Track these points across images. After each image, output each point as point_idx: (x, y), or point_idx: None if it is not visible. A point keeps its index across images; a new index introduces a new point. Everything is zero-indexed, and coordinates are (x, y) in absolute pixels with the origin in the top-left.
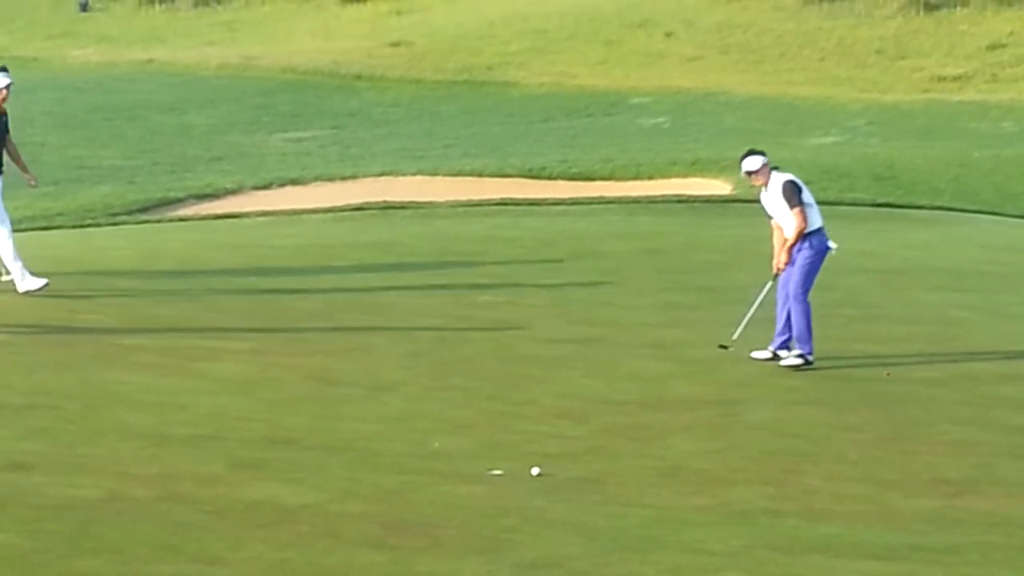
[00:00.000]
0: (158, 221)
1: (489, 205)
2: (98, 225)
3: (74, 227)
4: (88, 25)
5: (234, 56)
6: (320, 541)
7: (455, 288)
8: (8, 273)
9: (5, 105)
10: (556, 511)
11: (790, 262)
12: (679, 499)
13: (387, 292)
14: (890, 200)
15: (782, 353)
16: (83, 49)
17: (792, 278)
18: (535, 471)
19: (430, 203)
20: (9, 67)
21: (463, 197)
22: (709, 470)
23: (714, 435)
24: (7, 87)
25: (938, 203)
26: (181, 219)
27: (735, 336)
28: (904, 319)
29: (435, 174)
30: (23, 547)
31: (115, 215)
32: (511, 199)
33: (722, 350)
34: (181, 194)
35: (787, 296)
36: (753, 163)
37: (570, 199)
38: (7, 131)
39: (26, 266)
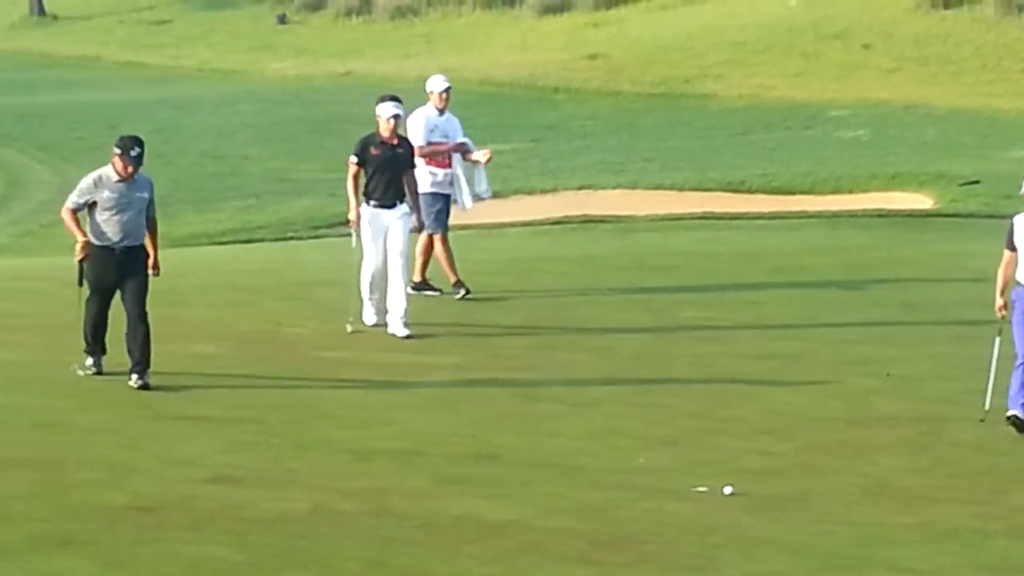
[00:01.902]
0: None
1: (689, 219)
2: (300, 238)
3: (276, 239)
4: (287, 38)
5: (432, 68)
6: (525, 556)
7: (656, 303)
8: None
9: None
10: (762, 528)
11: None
12: (885, 517)
13: (588, 306)
14: None
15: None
16: (282, 62)
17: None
18: (728, 490)
19: (630, 216)
20: (210, 79)
21: (663, 211)
22: (914, 488)
23: (919, 452)
24: (395, 116)
25: None
26: None
27: (987, 406)
28: None
29: (635, 187)
30: (234, 560)
31: (316, 227)
32: (711, 213)
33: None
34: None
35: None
36: None
37: (770, 213)
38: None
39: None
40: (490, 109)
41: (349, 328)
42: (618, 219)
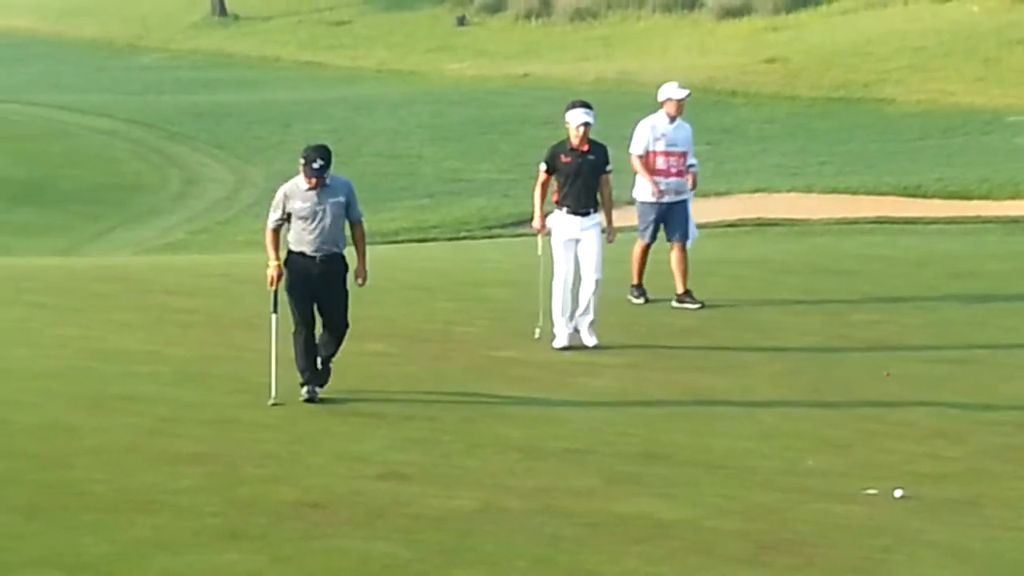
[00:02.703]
0: (533, 235)
1: (864, 223)
2: (473, 237)
3: (449, 239)
4: (465, 39)
5: (610, 71)
6: (693, 557)
7: (829, 306)
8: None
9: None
10: (931, 533)
11: None
12: None
13: (761, 309)
14: None
15: None
16: (460, 63)
17: None
18: (898, 493)
19: (804, 220)
20: (388, 80)
21: (837, 215)
22: None
23: None
24: (585, 124)
25: None
26: None
27: None
28: None
29: (809, 191)
30: (402, 556)
31: (490, 228)
32: (886, 217)
33: None
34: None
35: None
36: None
37: (946, 218)
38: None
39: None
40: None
41: (537, 333)
42: (792, 222)
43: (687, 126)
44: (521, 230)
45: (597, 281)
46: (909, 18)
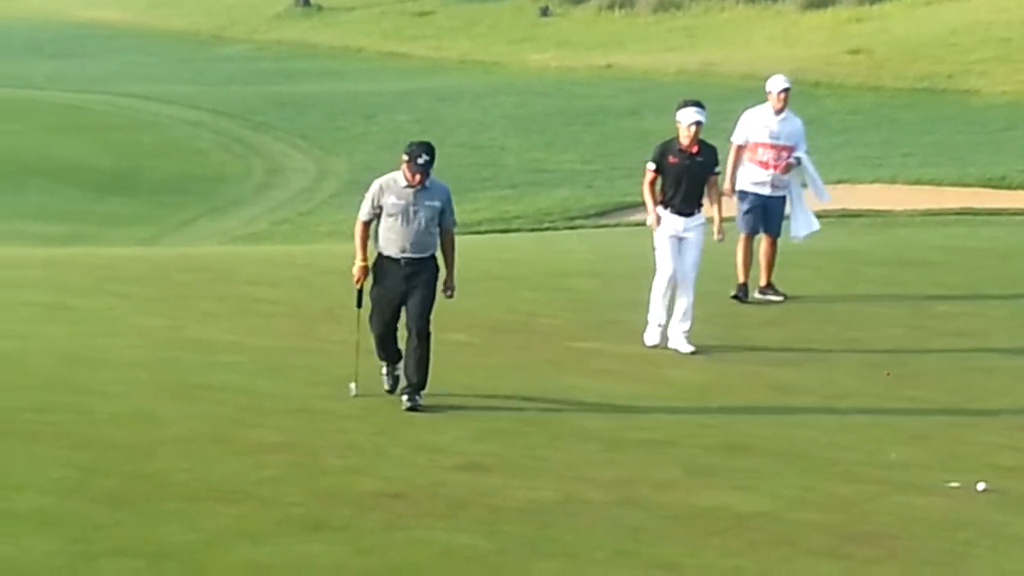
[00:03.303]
0: (615, 225)
1: (948, 215)
2: (555, 228)
3: (531, 230)
4: (548, 30)
5: (693, 62)
6: (774, 549)
7: (912, 297)
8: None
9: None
10: (1015, 526)
11: None
12: None
13: (843, 301)
14: None
15: None
16: (543, 53)
17: None
18: (980, 486)
19: (888, 211)
20: (471, 71)
21: (921, 206)
22: None
23: None
24: (696, 123)
25: None
26: (638, 224)
27: None
28: None
29: (893, 182)
30: (482, 548)
31: (572, 219)
32: (970, 209)
33: None
34: (639, 199)
35: None
36: None
37: None
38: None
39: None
40: (750, 104)
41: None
42: (876, 213)
43: (796, 120)
44: (603, 221)
45: (692, 281)
46: (994, 9)
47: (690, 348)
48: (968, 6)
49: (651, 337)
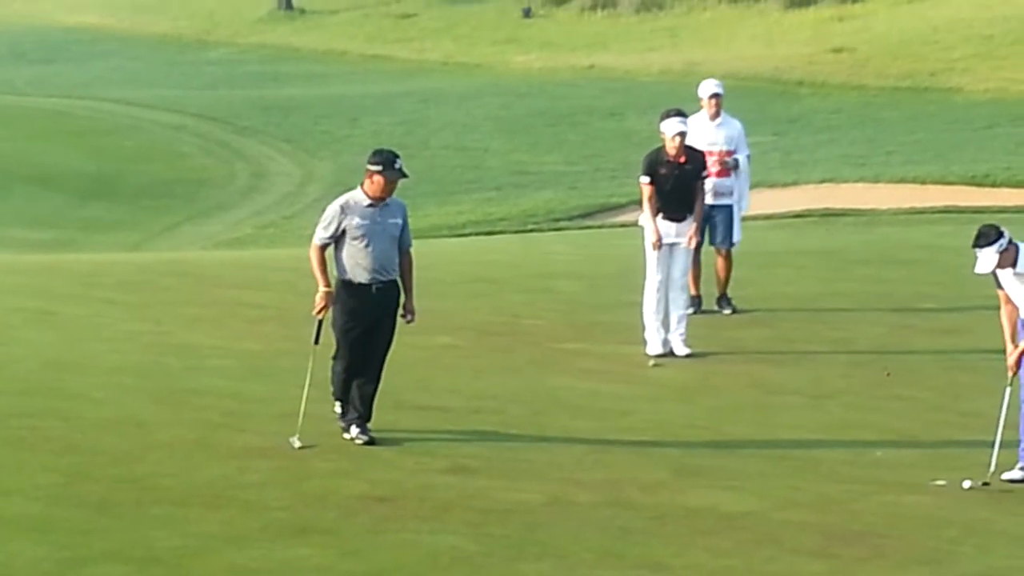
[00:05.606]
0: (600, 227)
1: (932, 213)
2: (540, 230)
3: (516, 232)
4: (531, 31)
5: (676, 62)
6: (761, 549)
7: (897, 296)
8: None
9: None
10: (1001, 522)
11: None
12: None
13: (828, 299)
14: None
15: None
16: (526, 55)
17: None
18: (966, 484)
19: (872, 210)
20: (454, 73)
21: (905, 204)
22: None
23: None
24: (680, 134)
25: None
26: (623, 225)
27: (991, 470)
28: None
29: (877, 181)
30: (468, 550)
31: (557, 220)
32: (954, 207)
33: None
34: (623, 200)
35: None
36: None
37: (1015, 207)
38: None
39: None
40: (733, 103)
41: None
42: (860, 212)
43: (734, 123)
44: (587, 222)
45: (684, 286)
46: (976, 6)
47: (686, 351)
48: (950, 4)
49: (653, 347)
